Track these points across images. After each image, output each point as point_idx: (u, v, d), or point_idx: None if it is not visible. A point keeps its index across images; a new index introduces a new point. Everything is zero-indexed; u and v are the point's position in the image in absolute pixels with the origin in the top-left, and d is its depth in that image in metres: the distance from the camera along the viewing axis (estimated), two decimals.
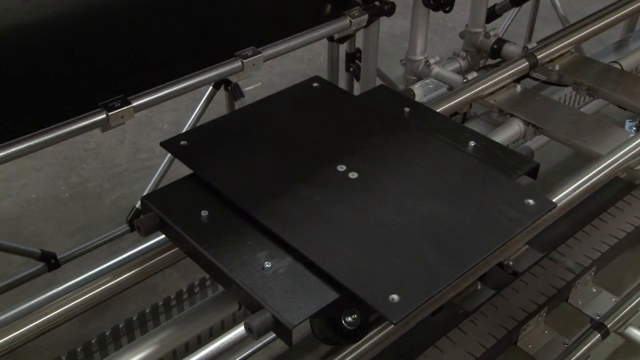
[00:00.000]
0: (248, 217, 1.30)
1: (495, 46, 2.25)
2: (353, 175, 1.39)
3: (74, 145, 2.86)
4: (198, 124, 2.02)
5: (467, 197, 1.33)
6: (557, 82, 2.08)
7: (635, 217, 1.95)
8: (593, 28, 2.18)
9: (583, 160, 1.78)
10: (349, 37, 2.31)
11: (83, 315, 1.34)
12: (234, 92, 2.06)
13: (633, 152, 1.62)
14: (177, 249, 1.36)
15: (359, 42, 2.35)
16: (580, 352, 1.64)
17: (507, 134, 1.85)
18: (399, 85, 2.39)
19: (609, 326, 1.70)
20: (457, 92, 1.88)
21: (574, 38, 2.11)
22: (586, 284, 1.81)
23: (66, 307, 1.30)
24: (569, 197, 1.50)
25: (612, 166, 1.59)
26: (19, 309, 1.64)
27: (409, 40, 2.23)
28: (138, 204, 2.12)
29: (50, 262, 2.04)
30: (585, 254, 1.82)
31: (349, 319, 1.20)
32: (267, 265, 1.21)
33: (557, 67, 2.04)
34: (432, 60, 2.19)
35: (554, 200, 1.37)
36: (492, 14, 2.54)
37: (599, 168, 1.57)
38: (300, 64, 3.45)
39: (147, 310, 1.89)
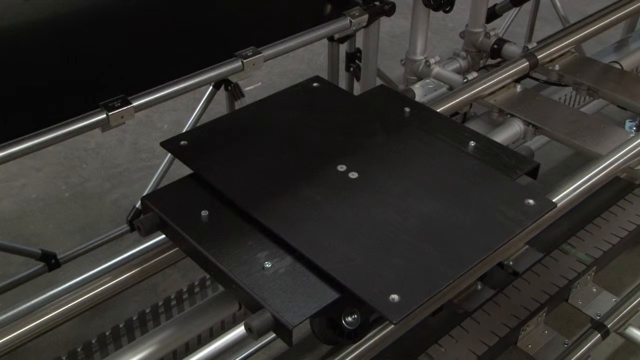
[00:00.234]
0: (248, 217, 1.30)
1: (495, 46, 2.25)
2: (353, 175, 1.39)
3: (74, 145, 2.86)
4: (198, 124, 2.02)
5: (467, 197, 1.33)
6: (557, 82, 2.08)
7: (636, 217, 1.95)
8: (593, 28, 2.17)
9: (583, 160, 1.78)
10: (349, 37, 2.31)
11: (83, 315, 1.34)
12: (234, 92, 2.06)
13: (633, 152, 1.62)
14: (177, 249, 1.36)
15: (359, 42, 2.35)
16: (581, 352, 1.64)
17: (507, 134, 1.85)
18: (399, 85, 2.39)
19: (609, 326, 1.70)
20: (457, 92, 1.88)
21: (574, 38, 2.11)
22: (586, 284, 1.81)
23: (66, 307, 1.30)
24: (569, 197, 1.50)
25: (612, 166, 1.59)
26: (19, 309, 1.64)
27: (409, 40, 2.23)
28: (138, 204, 2.12)
29: (51, 262, 2.04)
30: (586, 253, 1.83)
31: (349, 319, 1.20)
32: (267, 265, 1.21)
33: (557, 67, 2.04)
34: (432, 60, 2.19)
35: (554, 200, 1.37)
36: (493, 14, 2.54)
37: (599, 168, 1.57)
38: (300, 64, 3.45)
39: (147, 310, 1.89)
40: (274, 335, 1.16)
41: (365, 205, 1.31)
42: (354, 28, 2.10)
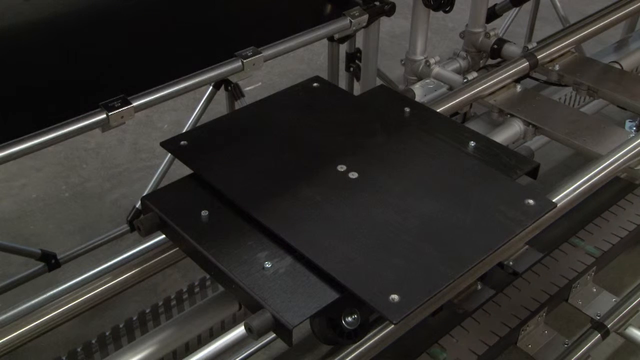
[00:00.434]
0: (248, 217, 1.30)
1: (495, 46, 2.25)
2: (353, 175, 1.39)
3: (74, 145, 2.86)
4: (198, 124, 2.02)
5: (467, 197, 1.33)
6: (557, 82, 2.08)
7: (636, 216, 1.95)
8: (593, 28, 2.17)
9: (583, 160, 1.78)
10: (349, 37, 2.31)
11: (83, 315, 1.34)
12: (234, 92, 2.06)
13: (633, 152, 1.62)
14: (177, 249, 1.36)
15: (359, 42, 2.35)
16: (581, 352, 1.64)
17: (507, 134, 1.85)
18: (399, 85, 2.39)
19: (609, 326, 1.70)
20: (457, 92, 1.88)
21: (574, 38, 2.11)
22: (586, 284, 1.81)
23: (66, 307, 1.30)
24: (569, 197, 1.50)
25: (612, 166, 1.59)
26: (19, 309, 1.64)
27: (409, 40, 2.23)
28: (138, 204, 2.12)
29: (51, 262, 2.04)
30: (594, 246, 1.83)
31: (349, 319, 1.20)
32: (267, 265, 1.21)
33: (557, 67, 2.04)
34: (432, 60, 2.19)
35: (554, 200, 1.37)
36: (493, 14, 2.54)
37: (599, 168, 1.57)
38: (300, 64, 3.45)
39: (147, 310, 1.89)
40: (274, 335, 1.16)
41: (365, 205, 1.31)
42: (354, 28, 2.10)
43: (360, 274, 1.17)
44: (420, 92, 2.03)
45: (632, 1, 2.29)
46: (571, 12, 2.93)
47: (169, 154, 2.07)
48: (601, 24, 2.20)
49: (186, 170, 1.44)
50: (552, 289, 1.71)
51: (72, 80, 1.66)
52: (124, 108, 1.66)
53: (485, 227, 1.26)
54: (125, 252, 1.91)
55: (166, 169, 2.18)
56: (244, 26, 1.92)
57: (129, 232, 2.23)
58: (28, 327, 1.27)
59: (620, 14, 2.25)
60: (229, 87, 2.06)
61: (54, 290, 1.73)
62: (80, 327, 2.08)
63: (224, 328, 1.85)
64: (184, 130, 1.98)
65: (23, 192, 2.67)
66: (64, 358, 1.74)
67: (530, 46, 2.13)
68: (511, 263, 1.60)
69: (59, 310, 1.29)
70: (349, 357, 1.25)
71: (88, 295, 1.32)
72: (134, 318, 1.86)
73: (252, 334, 1.11)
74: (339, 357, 1.24)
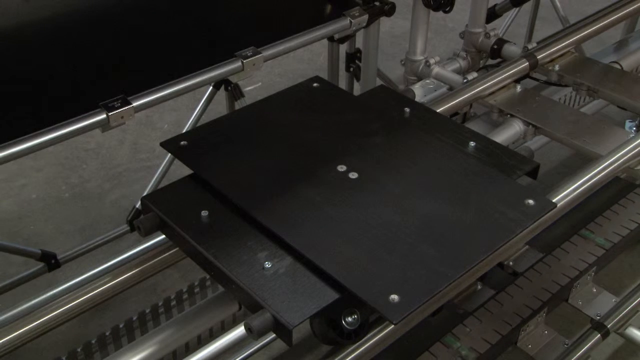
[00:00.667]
0: (248, 217, 1.30)
1: (495, 46, 2.25)
2: (353, 175, 1.39)
3: (74, 145, 2.86)
4: (198, 124, 2.02)
5: (467, 197, 1.33)
6: (557, 82, 2.08)
7: (636, 216, 1.96)
8: (593, 28, 2.17)
9: (583, 160, 1.78)
10: (349, 37, 2.31)
11: (83, 315, 1.34)
12: (234, 92, 2.06)
13: (633, 152, 1.62)
14: (177, 249, 1.36)
15: (359, 42, 2.35)
16: (580, 352, 1.64)
17: (507, 134, 1.85)
18: (399, 85, 2.39)
19: (609, 326, 1.70)
20: (457, 92, 1.88)
21: (574, 38, 2.11)
22: (586, 284, 1.81)
23: (66, 307, 1.30)
24: (569, 197, 1.50)
25: (612, 166, 1.59)
26: (19, 309, 1.64)
27: (409, 40, 2.23)
28: (138, 204, 2.12)
29: (51, 262, 2.04)
30: (588, 251, 1.83)
31: (349, 319, 1.20)
32: (267, 265, 1.21)
33: (557, 67, 2.04)
34: (432, 61, 2.19)
35: (554, 201, 1.37)
36: (492, 14, 2.54)
37: (599, 168, 1.57)
38: (300, 64, 3.45)
39: (147, 310, 1.89)
40: (274, 335, 1.16)
41: (365, 205, 1.31)
42: (354, 28, 2.10)
43: (360, 274, 1.17)
44: (420, 92, 2.03)
45: (632, 1, 2.29)
46: (571, 12, 2.93)
47: (169, 154, 2.07)
48: (601, 24, 2.20)
49: (186, 170, 1.44)
50: (552, 289, 1.71)
51: (72, 80, 1.66)
52: (124, 108, 1.66)
53: (485, 227, 1.26)
54: (125, 252, 1.91)
55: (166, 169, 2.18)
56: (244, 26, 1.92)
57: (129, 232, 2.23)
58: (28, 327, 1.27)
59: (620, 14, 2.25)
60: (229, 87, 2.06)
61: (54, 291, 1.72)
62: (80, 327, 2.08)
63: (224, 328, 1.86)
64: (184, 130, 1.98)
65: (23, 192, 2.67)
66: (64, 358, 1.74)
67: (530, 46, 2.13)
68: (511, 263, 1.61)
69: (59, 310, 1.30)
70: (349, 357, 1.25)
71: (88, 295, 1.32)
72: (134, 318, 1.86)
73: (252, 334, 1.10)
74: (339, 357, 1.24)
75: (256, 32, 1.93)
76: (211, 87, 2.10)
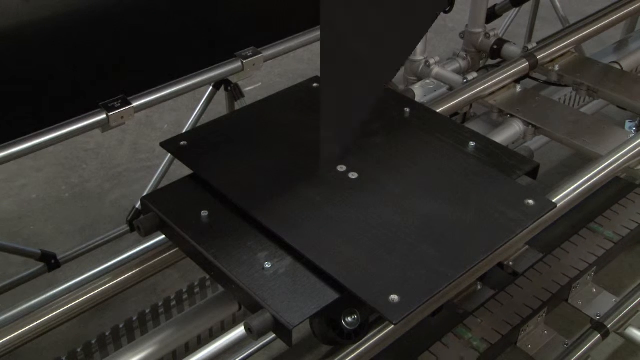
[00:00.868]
0: (248, 217, 1.30)
1: (495, 46, 2.25)
2: (353, 175, 1.39)
3: (74, 145, 2.86)
4: (198, 124, 2.02)
5: (467, 198, 1.33)
6: (557, 83, 2.08)
7: (636, 216, 1.96)
8: (593, 28, 2.18)
9: (583, 160, 1.78)
10: None
11: (83, 315, 1.34)
12: (234, 92, 2.06)
13: (633, 152, 1.62)
14: (177, 249, 1.36)
15: None
16: (580, 352, 1.64)
17: (507, 134, 1.85)
18: (399, 85, 2.38)
19: (609, 326, 1.70)
20: (457, 93, 1.88)
21: (574, 38, 2.11)
22: (586, 284, 1.81)
23: (66, 307, 1.30)
24: (569, 197, 1.50)
25: (612, 166, 1.59)
26: (19, 309, 1.64)
27: None
28: (138, 204, 2.12)
29: (51, 262, 2.04)
30: (588, 251, 1.83)
31: (349, 319, 1.20)
32: (267, 265, 1.21)
33: (557, 68, 2.04)
34: (432, 61, 2.19)
35: (554, 201, 1.37)
36: (492, 14, 2.54)
37: (599, 168, 1.57)
38: (300, 64, 3.45)
39: (147, 310, 1.89)
40: (274, 335, 1.16)
41: (365, 205, 1.31)
42: None
43: (360, 274, 1.17)
44: (420, 92, 2.03)
45: (632, 1, 2.29)
46: (571, 12, 2.93)
47: (169, 154, 2.07)
48: (601, 24, 2.20)
49: (186, 171, 1.44)
50: (552, 289, 1.71)
51: (72, 80, 1.66)
52: (124, 108, 1.66)
53: (485, 227, 1.26)
54: (125, 253, 1.90)
55: (166, 169, 2.18)
56: (243, 26, 1.92)
57: (129, 233, 2.23)
58: (28, 327, 1.27)
59: (620, 14, 2.25)
60: (229, 88, 2.06)
61: (54, 291, 1.72)
62: (80, 327, 2.08)
63: (224, 328, 1.86)
64: (184, 131, 1.98)
65: (23, 193, 2.67)
66: (63, 358, 1.74)
67: (530, 46, 2.13)
68: (511, 263, 1.60)
69: (59, 311, 1.30)
70: (349, 357, 1.25)
71: (88, 296, 1.32)
72: (134, 318, 1.86)
73: (252, 334, 1.10)
74: (339, 357, 1.24)
75: (256, 32, 1.93)
76: (211, 87, 2.10)
